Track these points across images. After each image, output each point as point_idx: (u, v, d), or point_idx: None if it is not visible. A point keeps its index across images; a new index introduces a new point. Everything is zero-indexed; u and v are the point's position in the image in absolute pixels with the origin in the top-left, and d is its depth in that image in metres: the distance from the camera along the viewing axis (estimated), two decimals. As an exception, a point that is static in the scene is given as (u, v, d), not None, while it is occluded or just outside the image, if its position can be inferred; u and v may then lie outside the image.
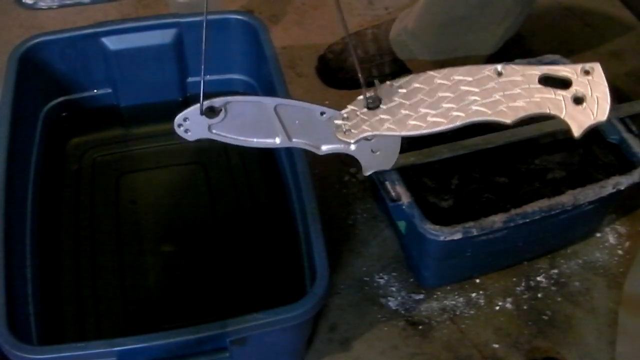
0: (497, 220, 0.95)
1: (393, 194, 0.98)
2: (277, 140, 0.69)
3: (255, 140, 0.70)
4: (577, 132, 0.59)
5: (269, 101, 0.67)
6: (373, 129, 0.65)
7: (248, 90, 1.22)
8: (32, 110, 1.13)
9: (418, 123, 0.64)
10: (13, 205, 0.94)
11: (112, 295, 1.01)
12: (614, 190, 1.00)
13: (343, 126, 0.66)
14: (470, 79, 0.62)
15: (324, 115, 0.67)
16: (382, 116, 0.65)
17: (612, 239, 1.17)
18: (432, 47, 1.27)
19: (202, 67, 0.65)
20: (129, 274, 1.03)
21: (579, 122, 0.59)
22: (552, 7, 1.55)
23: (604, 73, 0.59)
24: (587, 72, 0.59)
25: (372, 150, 0.68)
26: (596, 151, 1.10)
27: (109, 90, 1.21)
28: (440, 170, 1.06)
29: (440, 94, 0.63)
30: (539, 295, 1.10)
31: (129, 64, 1.17)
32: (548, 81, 0.60)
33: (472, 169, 1.08)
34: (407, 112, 0.64)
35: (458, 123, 0.62)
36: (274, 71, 1.07)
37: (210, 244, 1.07)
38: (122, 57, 1.16)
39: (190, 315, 0.98)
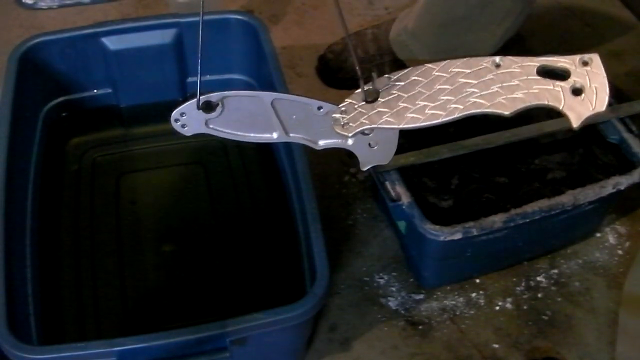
0: (497, 220, 0.95)
1: (393, 194, 0.98)
2: (275, 135, 0.69)
3: (252, 135, 0.70)
4: (575, 122, 0.59)
5: (266, 96, 0.67)
6: (371, 122, 0.65)
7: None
8: (32, 110, 1.13)
9: (416, 115, 0.63)
10: (13, 205, 0.94)
11: (112, 295, 1.01)
12: (614, 190, 1.00)
13: (341, 119, 0.66)
14: (468, 71, 0.62)
15: (322, 110, 0.67)
16: (380, 109, 0.64)
17: (612, 239, 1.17)
18: (432, 47, 1.27)
19: (199, 61, 0.65)
20: (129, 274, 1.03)
21: (577, 113, 0.59)
22: (552, 7, 1.55)
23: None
24: (585, 63, 0.59)
25: (369, 145, 0.68)
26: (596, 151, 1.10)
27: (109, 90, 1.21)
28: (440, 170, 1.06)
29: (439, 87, 0.63)
30: (539, 295, 1.10)
31: (129, 64, 1.17)
32: (546, 73, 0.60)
33: (472, 169, 1.08)
34: (405, 104, 0.64)
35: (456, 115, 0.62)
36: (274, 71, 1.07)
37: (210, 244, 1.07)
38: (122, 57, 1.16)
39: (190, 315, 0.98)
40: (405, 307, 1.08)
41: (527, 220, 0.97)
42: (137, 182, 1.15)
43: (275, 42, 1.12)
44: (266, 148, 1.16)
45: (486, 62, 0.61)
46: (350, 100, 0.66)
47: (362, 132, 0.67)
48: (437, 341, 1.04)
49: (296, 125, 0.69)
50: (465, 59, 0.62)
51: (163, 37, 1.16)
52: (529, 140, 1.09)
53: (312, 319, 0.87)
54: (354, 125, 0.66)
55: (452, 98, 0.62)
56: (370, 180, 1.19)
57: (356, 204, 1.19)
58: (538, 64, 0.60)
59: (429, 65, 0.63)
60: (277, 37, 1.23)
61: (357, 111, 0.65)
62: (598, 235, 1.17)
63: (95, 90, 1.21)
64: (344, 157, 1.24)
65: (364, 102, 0.65)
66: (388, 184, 0.99)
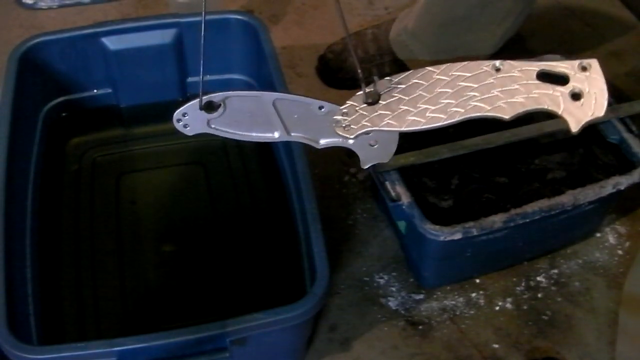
0: (497, 220, 0.96)
1: (393, 194, 0.98)
2: (276, 135, 0.70)
3: (254, 134, 0.70)
4: (574, 127, 0.59)
5: (268, 96, 0.67)
6: (372, 124, 0.65)
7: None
8: (32, 110, 1.13)
9: (417, 118, 0.64)
10: (13, 205, 0.94)
11: (112, 295, 1.01)
12: (614, 190, 1.00)
13: (342, 121, 0.66)
14: (468, 74, 0.62)
15: (323, 110, 0.67)
16: (382, 112, 0.65)
17: (612, 239, 1.17)
18: (432, 47, 1.27)
19: (202, 61, 0.65)
20: (129, 274, 1.03)
21: (576, 117, 0.59)
22: (552, 7, 1.55)
23: (604, 73, 0.59)
24: (584, 69, 0.59)
25: (370, 144, 0.69)
26: (596, 151, 1.10)
27: (109, 90, 1.21)
28: (440, 170, 1.06)
29: (439, 90, 0.63)
30: (539, 295, 1.10)
31: (129, 64, 1.17)
32: (546, 77, 0.60)
33: (472, 169, 1.08)
34: (406, 107, 0.64)
35: (457, 119, 0.63)
36: (274, 71, 1.07)
37: (210, 244, 1.07)
38: (122, 57, 1.16)
39: (190, 315, 0.98)
40: (405, 307, 1.08)
41: (527, 220, 0.97)
42: (137, 182, 1.15)
43: (275, 42, 1.12)
44: (266, 148, 1.16)
45: (486, 66, 0.62)
46: (351, 102, 0.66)
47: (364, 133, 0.67)
48: (437, 341, 1.04)
49: (297, 124, 0.69)
50: (465, 63, 0.63)
51: (163, 37, 1.16)
52: (529, 140, 1.09)
53: (312, 319, 0.88)
54: (355, 127, 0.66)
55: (453, 101, 0.62)
56: (370, 180, 1.19)
57: (356, 204, 1.19)
58: (538, 69, 0.60)
59: (430, 68, 0.64)
60: (277, 37, 1.23)
61: (358, 113, 0.66)
62: (598, 235, 1.17)
63: (95, 90, 1.21)
64: (344, 157, 1.24)
65: (365, 104, 0.65)
66: (388, 184, 0.99)
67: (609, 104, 0.91)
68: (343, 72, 1.34)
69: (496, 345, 1.04)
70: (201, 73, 0.66)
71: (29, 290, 0.94)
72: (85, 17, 1.47)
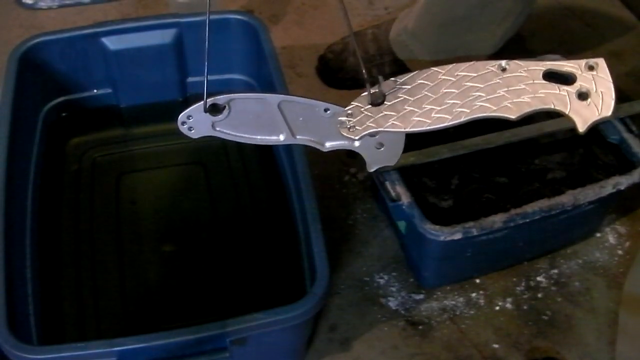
0: (497, 220, 0.95)
1: (393, 194, 0.98)
2: (281, 137, 0.69)
3: (259, 137, 0.70)
4: (581, 127, 0.59)
5: (273, 98, 0.67)
6: (377, 125, 0.65)
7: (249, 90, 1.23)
8: (32, 110, 1.13)
9: (422, 119, 0.64)
10: (13, 205, 0.94)
11: (112, 296, 1.01)
12: (614, 190, 1.00)
13: (347, 122, 0.66)
14: (474, 74, 0.62)
15: (328, 112, 0.67)
16: (386, 112, 0.65)
17: (612, 239, 1.17)
18: (432, 47, 1.27)
19: (206, 63, 0.65)
20: (129, 274, 1.03)
21: (583, 117, 0.59)
22: (552, 7, 1.55)
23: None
24: (591, 68, 0.59)
25: (376, 146, 0.68)
26: (596, 151, 1.10)
27: (109, 90, 1.21)
28: (440, 170, 1.06)
29: (445, 90, 0.63)
30: (539, 295, 1.10)
31: (129, 64, 1.17)
32: (552, 77, 0.60)
33: (472, 169, 1.08)
34: (411, 108, 0.64)
35: (463, 119, 0.62)
36: (274, 71, 1.07)
37: (210, 244, 1.07)
38: (122, 57, 1.16)
39: (190, 315, 0.98)
40: (405, 307, 1.08)
41: (527, 220, 0.97)
42: (137, 182, 1.15)
43: (275, 42, 1.12)
44: (266, 148, 1.16)
45: (492, 66, 0.62)
46: (356, 103, 0.66)
47: (369, 134, 0.67)
48: (437, 341, 1.04)
49: (303, 127, 0.69)
50: (471, 63, 0.62)
51: (163, 37, 1.16)
52: (529, 140, 1.09)
53: (312, 319, 0.87)
54: (360, 128, 0.66)
55: (459, 102, 0.62)
56: (370, 180, 1.19)
57: (356, 204, 1.19)
58: (544, 68, 0.60)
59: (435, 68, 0.63)
60: (277, 37, 1.23)
61: (363, 114, 0.66)
62: (598, 235, 1.17)
63: (95, 90, 1.21)
64: (344, 157, 1.24)
65: (370, 105, 0.65)
66: (388, 184, 0.99)
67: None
68: (343, 72, 1.34)
69: (496, 345, 1.04)
70: (205, 74, 0.65)
71: (29, 290, 0.94)
72: (85, 17, 1.47)
